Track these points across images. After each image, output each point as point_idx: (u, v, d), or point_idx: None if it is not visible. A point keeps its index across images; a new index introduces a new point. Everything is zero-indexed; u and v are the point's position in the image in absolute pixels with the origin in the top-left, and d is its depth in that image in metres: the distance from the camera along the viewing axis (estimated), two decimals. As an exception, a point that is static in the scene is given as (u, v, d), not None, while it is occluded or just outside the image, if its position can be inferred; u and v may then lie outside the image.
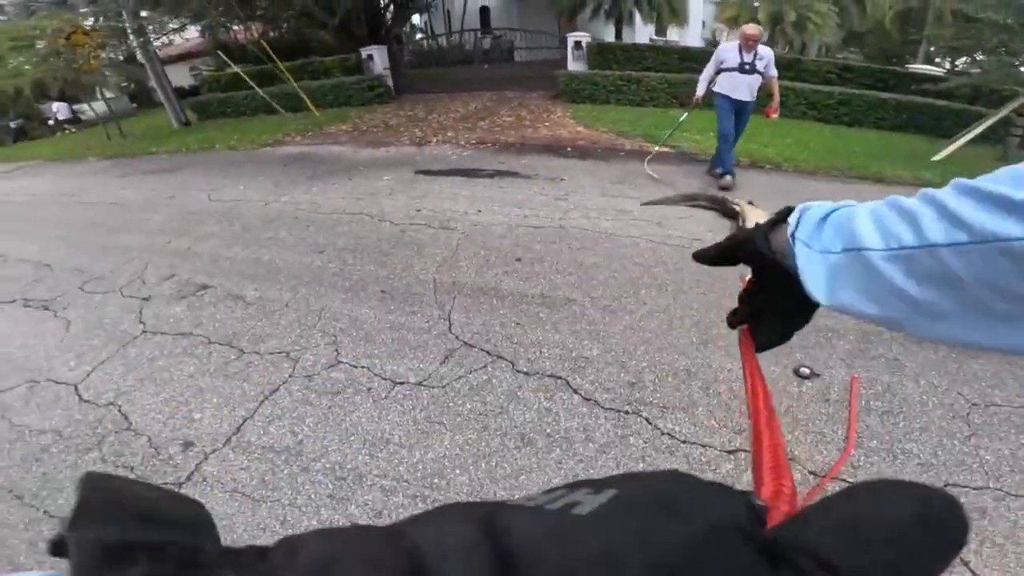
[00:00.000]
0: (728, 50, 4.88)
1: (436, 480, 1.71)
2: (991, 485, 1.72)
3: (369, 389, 2.14)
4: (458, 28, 19.25)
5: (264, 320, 2.73)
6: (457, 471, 1.74)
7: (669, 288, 2.84)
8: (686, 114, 5.61)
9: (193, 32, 15.76)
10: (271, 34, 15.70)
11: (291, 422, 2.00)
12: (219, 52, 12.15)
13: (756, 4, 21.25)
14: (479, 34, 16.75)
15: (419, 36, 28.11)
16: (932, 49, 18.00)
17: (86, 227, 4.72)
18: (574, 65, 10.33)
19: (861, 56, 22.67)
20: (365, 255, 3.41)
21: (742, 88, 4.82)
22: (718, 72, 4.90)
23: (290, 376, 2.25)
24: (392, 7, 15.69)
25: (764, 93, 4.96)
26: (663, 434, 1.86)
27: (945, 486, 1.70)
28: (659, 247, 3.37)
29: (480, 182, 4.94)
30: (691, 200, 4.36)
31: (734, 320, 0.49)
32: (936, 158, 6.82)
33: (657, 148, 5.89)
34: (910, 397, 2.09)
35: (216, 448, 1.90)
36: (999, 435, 1.92)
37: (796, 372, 2.21)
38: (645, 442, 1.83)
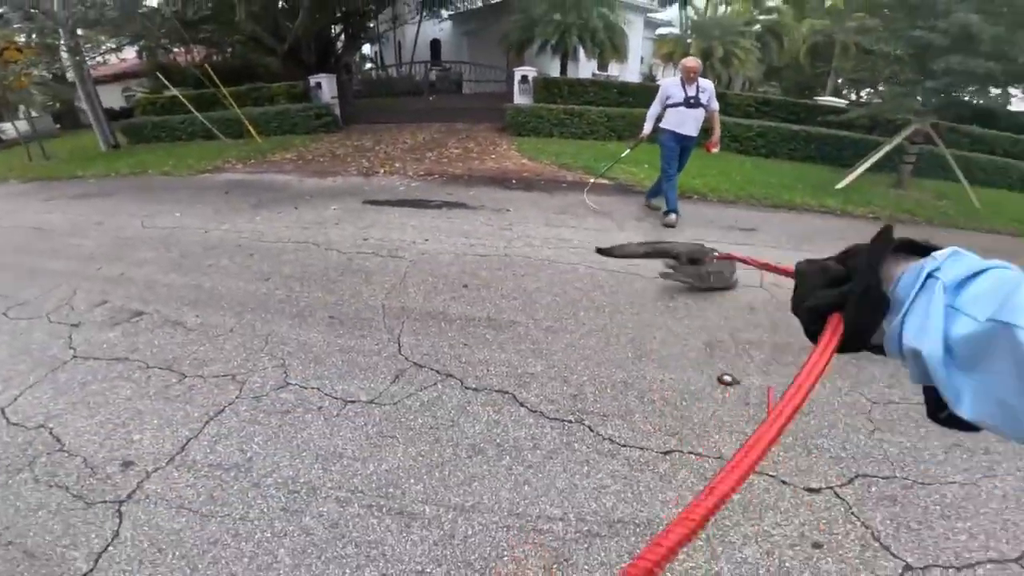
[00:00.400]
0: (672, 85, 4.86)
1: (391, 490, 1.80)
2: (898, 475, 1.97)
3: (320, 408, 2.21)
4: (408, 60, 19.66)
5: (207, 345, 2.73)
6: (411, 481, 1.84)
7: (606, 309, 3.11)
8: (628, 150, 5.74)
9: (130, 52, 15.26)
10: (215, 58, 15.45)
11: (239, 440, 2.03)
12: (158, 74, 11.79)
13: (690, 41, 22.80)
14: (429, 66, 17.18)
15: (369, 66, 28.35)
16: (840, 81, 19.66)
17: (8, 252, 4.48)
18: (520, 99, 10.70)
19: (780, 90, 24.18)
20: (312, 282, 3.46)
21: (688, 123, 4.82)
22: (665, 108, 4.88)
23: (237, 397, 2.28)
24: (343, 36, 15.88)
25: (704, 127, 4.97)
26: (604, 439, 2.05)
27: (856, 477, 1.95)
28: (597, 272, 3.66)
29: (428, 212, 5.09)
30: (647, 254, 4.42)
31: (815, 307, 0.44)
32: (839, 186, 7.51)
33: (593, 180, 6.12)
34: (818, 398, 2.39)
35: (159, 467, 1.91)
36: (899, 429, 2.23)
37: (720, 380, 2.47)
38: (588, 447, 2.00)
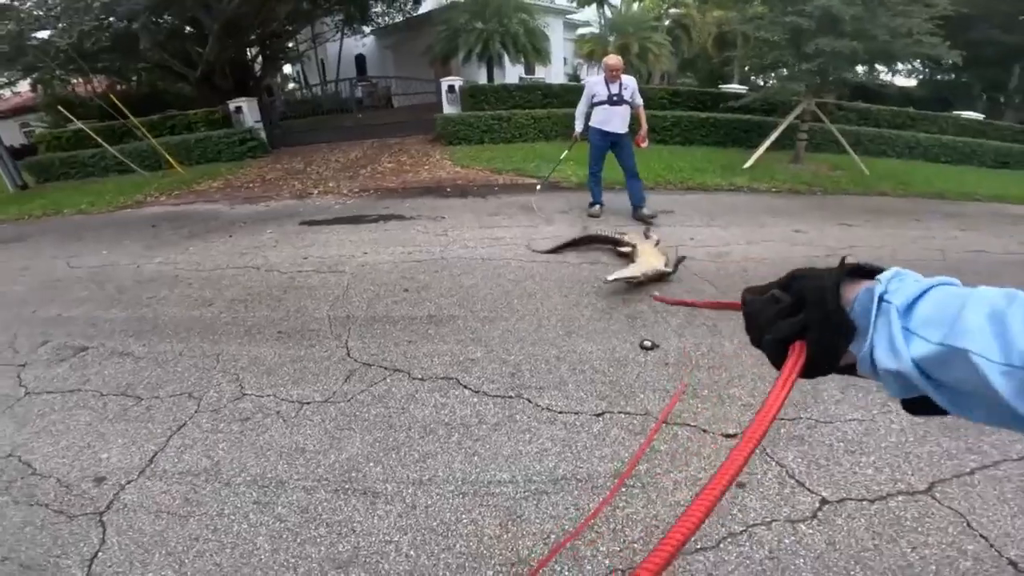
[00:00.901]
0: (597, 84, 4.92)
1: (353, 474, 1.97)
2: (802, 415, 2.22)
3: (278, 412, 2.34)
4: (333, 77, 19.46)
5: (159, 370, 2.78)
6: (371, 464, 2.01)
7: (537, 295, 3.40)
8: (567, 151, 5.88)
9: (25, 84, 14.30)
10: (120, 87, 14.73)
11: (204, 448, 2.14)
12: (59, 107, 11.12)
13: (611, 39, 23.57)
14: (355, 82, 17.10)
15: (292, 86, 27.69)
16: (747, 69, 21.02)
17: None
18: (449, 108, 10.86)
19: (695, 80, 25.23)
20: (257, 303, 3.53)
21: (615, 120, 4.88)
22: (592, 107, 4.95)
23: (196, 412, 2.38)
24: (261, 58, 15.53)
25: (634, 122, 5.08)
26: (543, 409, 2.28)
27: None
28: (527, 264, 3.95)
29: (365, 227, 5.20)
30: (586, 242, 4.42)
31: (779, 339, 0.45)
32: (745, 166, 8.19)
33: (539, 187, 6.20)
34: (728, 353, 2.71)
35: (131, 479, 1.99)
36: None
37: (641, 345, 2.77)
38: (529, 417, 2.23)
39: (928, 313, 0.36)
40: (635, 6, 25.85)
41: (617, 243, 4.13)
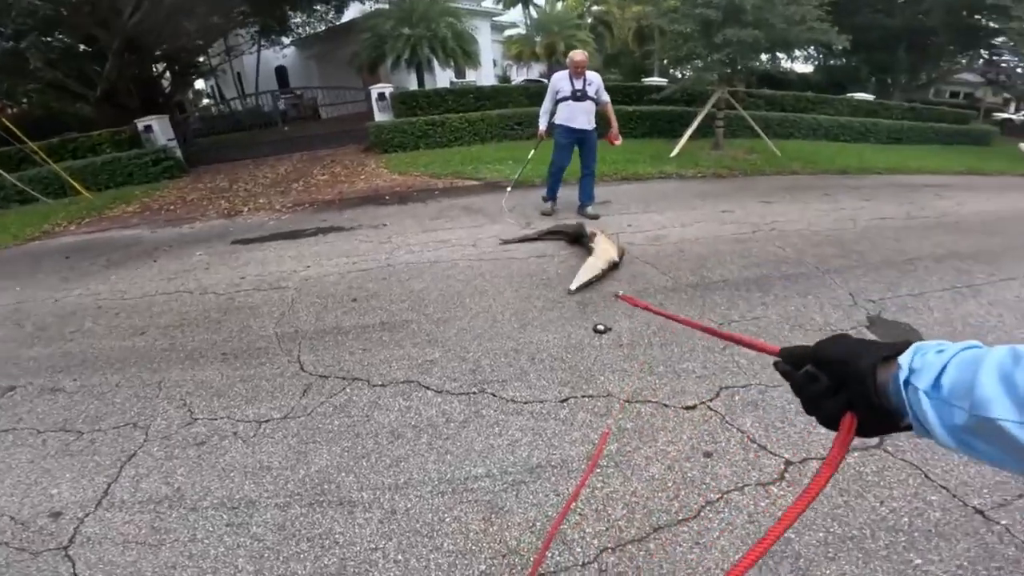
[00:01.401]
0: (561, 80, 4.79)
1: (326, 486, 1.92)
2: (752, 382, 2.36)
3: (235, 433, 2.25)
4: (253, 91, 18.56)
5: (96, 403, 2.60)
6: (343, 474, 1.97)
7: (489, 292, 3.43)
8: (533, 150, 5.71)
9: None
10: (11, 110, 13.47)
11: (162, 476, 2.04)
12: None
13: (537, 39, 23.87)
14: (278, 95, 16.40)
15: (207, 101, 26.23)
16: (665, 62, 21.97)
17: None
18: (380, 116, 10.67)
19: (620, 75, 25.66)
20: (194, 327, 3.35)
21: (579, 116, 4.76)
22: (556, 103, 4.83)
23: (145, 441, 2.26)
24: (168, 74, 14.60)
25: (603, 121, 4.99)
26: (507, 401, 2.31)
27: (720, 390, 2.30)
28: (476, 263, 3.98)
29: (304, 241, 5.03)
30: (547, 234, 4.47)
31: (831, 413, 0.50)
32: (672, 155, 8.62)
33: (509, 189, 5.88)
34: (677, 330, 2.83)
35: (88, 512, 1.89)
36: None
37: (594, 329, 2.87)
38: (495, 411, 2.26)
39: (951, 386, 0.39)
40: (559, 5, 26.36)
41: (580, 237, 4.17)
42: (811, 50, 21.69)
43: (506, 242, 4.40)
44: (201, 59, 16.66)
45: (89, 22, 9.93)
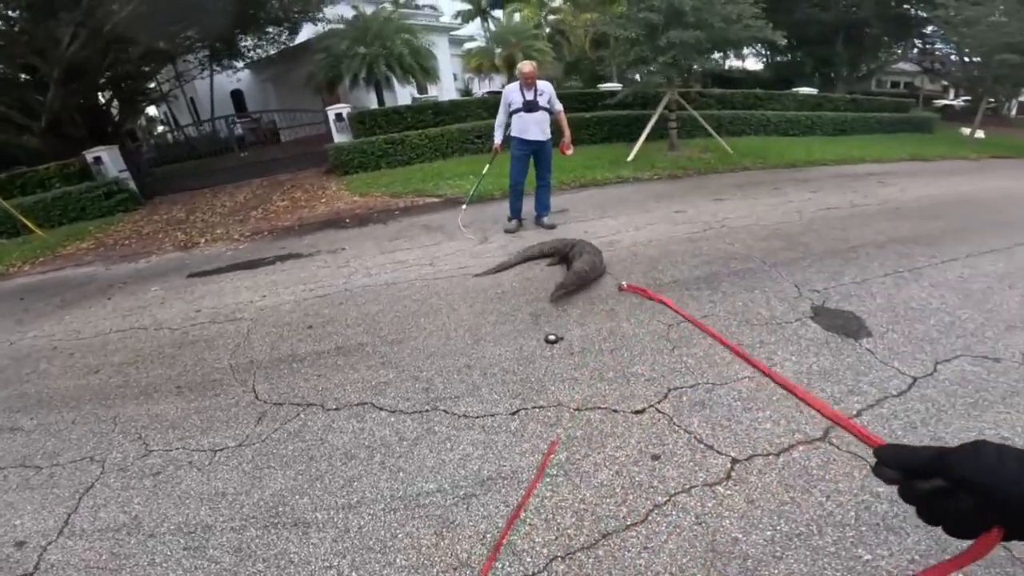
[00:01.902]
0: (512, 92, 4.76)
1: (281, 508, 1.95)
2: (700, 381, 2.42)
3: (190, 462, 2.27)
4: (208, 116, 18.22)
5: (53, 439, 2.61)
6: (297, 496, 2.00)
7: (443, 311, 3.47)
8: (488, 165, 5.66)
9: None
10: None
11: (119, 505, 2.07)
12: None
13: (497, 51, 24.05)
14: (234, 120, 16.13)
15: (161, 129, 25.65)
16: (616, 67, 22.35)
17: None
18: (339, 137, 10.58)
19: (580, 82, 25.97)
20: (149, 363, 3.31)
21: (532, 128, 4.74)
22: (510, 115, 4.80)
23: (102, 473, 2.29)
24: (116, 102, 14.23)
25: (558, 130, 4.98)
26: (459, 417, 2.35)
27: (668, 392, 2.36)
28: (432, 282, 4.02)
29: (261, 271, 4.98)
30: (526, 259, 4.31)
31: (973, 530, 0.44)
32: (629, 159, 8.80)
33: (464, 207, 5.85)
34: (627, 333, 2.93)
35: (51, 540, 1.93)
36: (692, 342, 2.80)
37: (546, 339, 2.92)
38: (447, 427, 2.29)
39: None
40: (516, 17, 26.61)
41: (557, 253, 4.14)
42: (759, 48, 22.50)
43: (481, 275, 4.11)
44: (151, 85, 16.32)
45: (26, 51, 9.66)
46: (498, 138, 5.02)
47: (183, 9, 10.21)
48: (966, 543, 0.46)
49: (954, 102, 25.64)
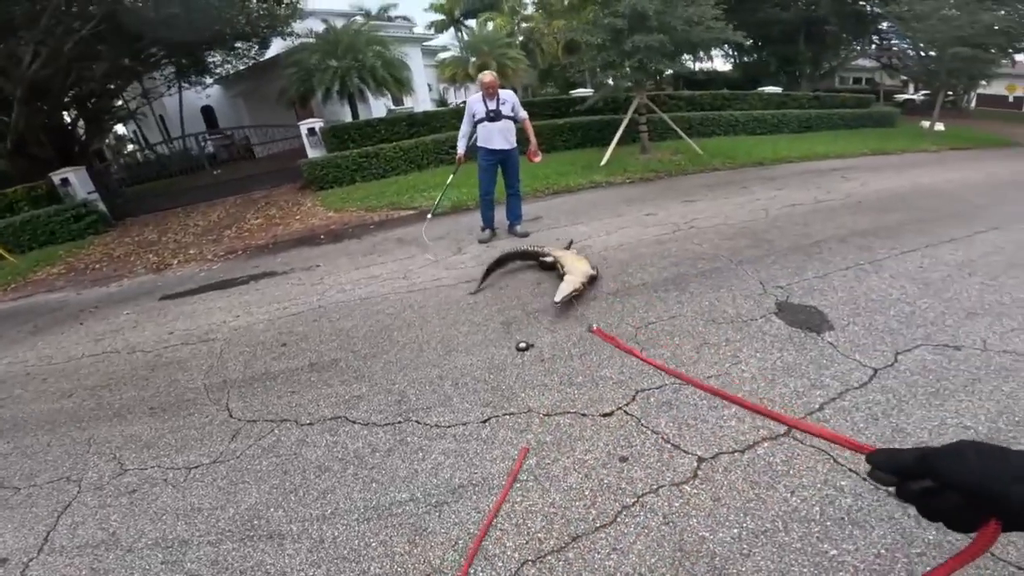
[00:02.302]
0: (476, 102, 4.78)
1: (256, 522, 1.98)
2: (667, 382, 2.45)
3: (166, 480, 2.30)
4: (179, 133, 17.94)
5: (29, 461, 2.63)
6: (272, 509, 2.02)
7: (416, 323, 3.50)
8: (452, 175, 5.68)
9: None
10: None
11: (97, 522, 2.10)
12: None
13: (472, 60, 24.13)
14: (205, 137, 15.93)
15: (131, 147, 25.19)
16: (586, 72, 22.55)
17: None
18: (313, 152, 10.51)
19: (555, 89, 26.25)
20: (122, 386, 3.30)
21: (496, 137, 4.77)
22: (475, 125, 4.81)
23: (79, 492, 2.31)
24: (82, 121, 13.95)
25: (523, 138, 5.02)
26: (431, 427, 2.37)
27: (636, 394, 2.40)
28: (405, 296, 4.04)
29: (235, 291, 4.94)
30: (506, 263, 4.26)
31: (967, 525, 0.47)
32: (602, 163, 8.93)
33: (430, 216, 5.84)
34: (596, 339, 2.96)
35: (32, 557, 1.96)
36: (660, 343, 2.87)
37: (517, 347, 2.97)
38: (419, 437, 2.31)
39: None
40: (489, 26, 26.75)
41: (538, 256, 4.13)
42: (727, 49, 23.03)
43: (475, 292, 3.98)
44: (118, 103, 16.02)
45: (-16, 70, 9.45)
46: (461, 148, 5.02)
47: (146, 26, 10.07)
48: (960, 542, 0.51)
49: (914, 96, 26.52)
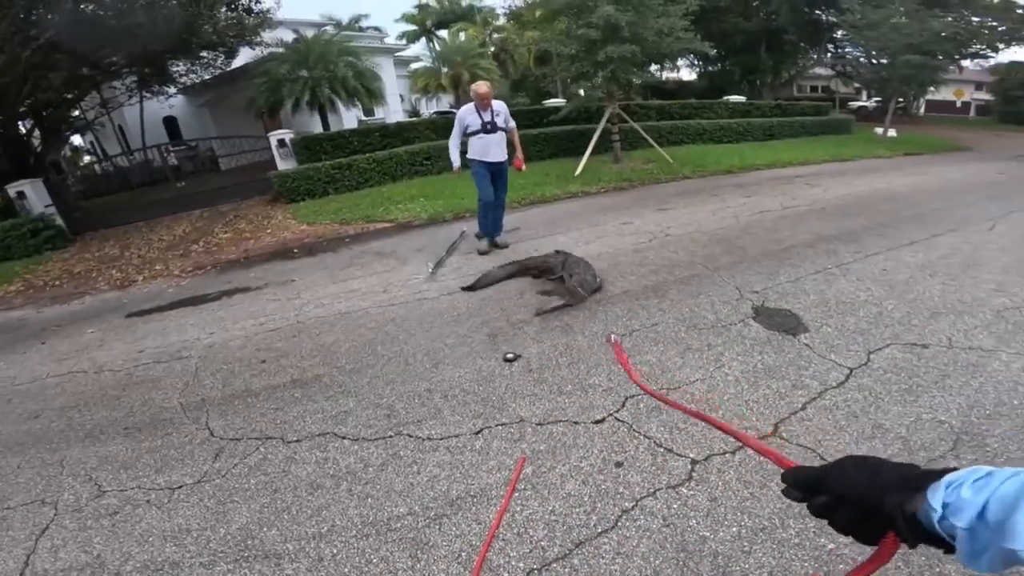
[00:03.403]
0: (468, 113, 4.70)
1: (250, 542, 1.91)
2: (655, 387, 2.48)
3: (148, 501, 2.21)
4: (140, 145, 17.33)
5: (0, 484, 2.50)
6: (265, 528, 1.97)
7: (400, 337, 3.46)
8: (452, 247, 5.44)
9: None
10: None
11: (79, 545, 2.01)
12: None
13: (444, 71, 24.14)
14: (168, 148, 15.43)
15: (88, 159, 24.27)
16: (559, 82, 22.82)
17: None
18: (283, 164, 10.29)
19: (527, 99, 26.36)
20: (92, 406, 3.16)
21: (493, 149, 4.72)
22: (467, 137, 4.74)
23: (56, 515, 2.21)
24: (38, 131, 13.35)
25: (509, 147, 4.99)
26: (424, 440, 2.35)
27: (625, 400, 2.43)
28: (387, 309, 3.99)
29: (207, 307, 4.79)
30: (510, 275, 4.32)
31: (868, 537, 0.48)
32: (576, 174, 9.02)
33: (431, 270, 4.82)
34: (582, 347, 3.02)
35: None
36: (644, 350, 2.92)
37: (504, 358, 2.97)
38: (412, 451, 2.29)
39: (992, 524, 0.39)
40: (461, 36, 26.83)
41: (542, 266, 4.17)
42: (692, 59, 23.75)
43: (468, 288, 4.15)
44: (75, 113, 15.40)
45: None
46: (456, 160, 4.94)
47: (106, 35, 9.73)
48: None
49: (867, 103, 27.76)
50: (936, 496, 0.42)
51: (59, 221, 9.36)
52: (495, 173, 4.92)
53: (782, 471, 0.56)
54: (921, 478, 0.45)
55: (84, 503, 2.26)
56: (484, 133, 4.69)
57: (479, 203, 5.04)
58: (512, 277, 4.31)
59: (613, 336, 2.78)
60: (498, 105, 4.75)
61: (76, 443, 2.77)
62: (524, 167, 5.23)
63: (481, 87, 4.66)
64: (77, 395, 3.35)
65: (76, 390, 3.43)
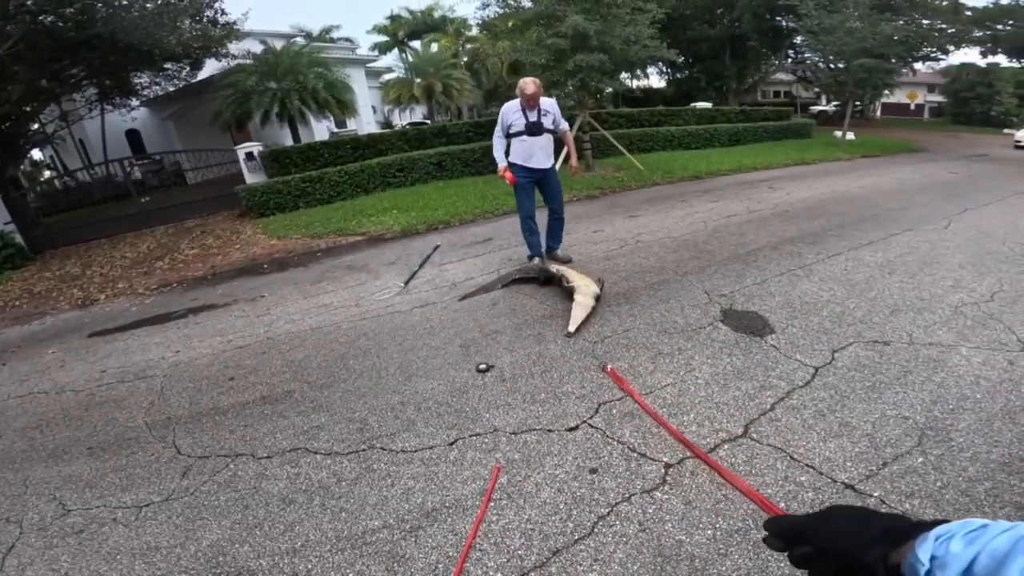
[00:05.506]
0: (512, 112, 4.14)
1: (221, 558, 1.88)
2: (627, 393, 2.48)
3: (115, 519, 2.16)
4: (101, 159, 16.80)
5: None
6: (237, 545, 1.93)
7: (372, 351, 3.42)
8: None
9: None
10: None
11: (45, 563, 1.97)
12: None
13: (417, 81, 24.03)
14: (131, 162, 14.98)
15: (48, 174, 23.47)
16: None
17: None
18: (252, 177, 10.11)
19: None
20: (54, 426, 3.07)
21: (538, 154, 4.18)
22: (509, 138, 4.22)
23: (20, 534, 2.16)
24: (-7, 146, 12.80)
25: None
26: (398, 452, 2.33)
27: (599, 406, 2.45)
28: (359, 323, 3.95)
29: (172, 325, 4.66)
30: (509, 280, 4.24)
31: None
32: (545, 183, 9.18)
33: (403, 286, 4.71)
34: (555, 356, 3.03)
35: None
36: (616, 358, 2.93)
37: (477, 369, 2.97)
38: (386, 464, 2.27)
39: (982, 574, 0.38)
40: (433, 47, 26.81)
41: (541, 274, 4.08)
42: (661, 66, 24.29)
43: (464, 297, 4.13)
44: (34, 126, 14.84)
45: None
46: (502, 161, 4.28)
47: (66, 47, 9.45)
48: None
49: (826, 107, 28.77)
50: (924, 549, 0.41)
51: (18, 239, 9.04)
52: (541, 182, 4.36)
53: (766, 518, 0.55)
54: (911, 530, 0.44)
55: (49, 522, 2.21)
56: (528, 135, 4.11)
57: (520, 217, 4.50)
58: (506, 284, 4.27)
59: (609, 366, 2.80)
60: (547, 104, 4.15)
61: (39, 463, 2.69)
62: (577, 172, 4.79)
63: (528, 86, 3.99)
64: (39, 416, 3.24)
65: (37, 411, 3.32)
